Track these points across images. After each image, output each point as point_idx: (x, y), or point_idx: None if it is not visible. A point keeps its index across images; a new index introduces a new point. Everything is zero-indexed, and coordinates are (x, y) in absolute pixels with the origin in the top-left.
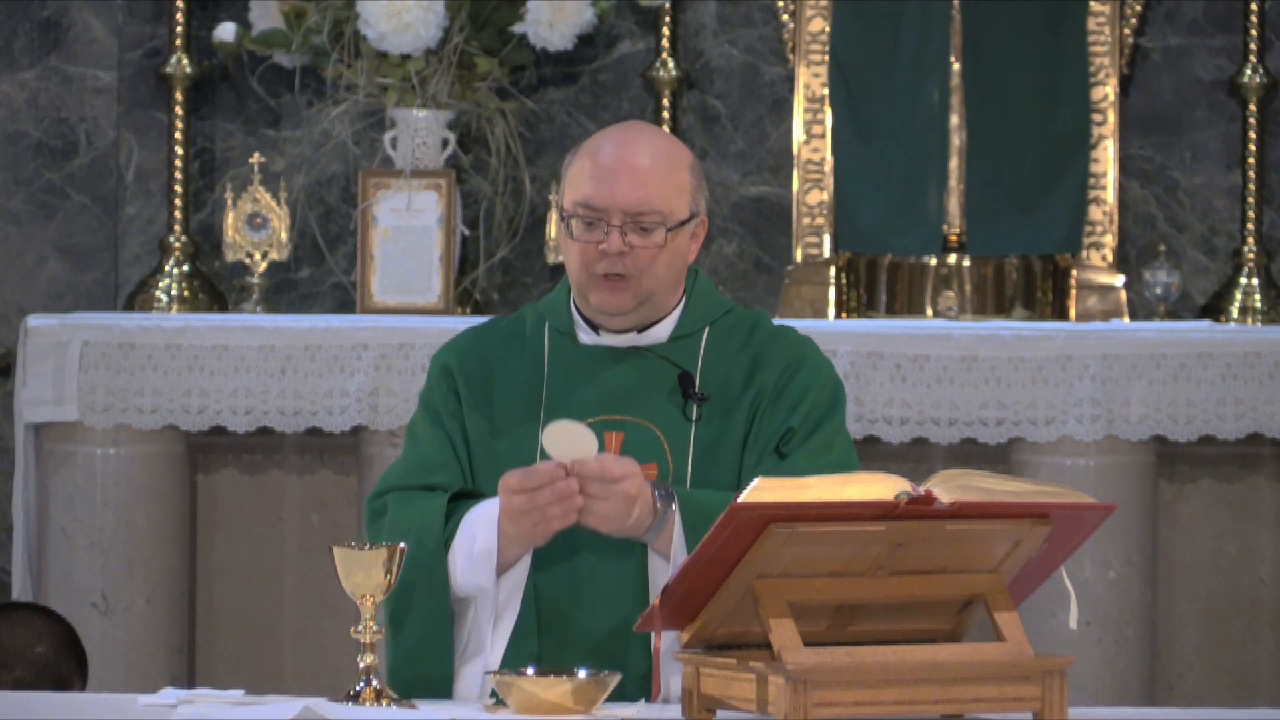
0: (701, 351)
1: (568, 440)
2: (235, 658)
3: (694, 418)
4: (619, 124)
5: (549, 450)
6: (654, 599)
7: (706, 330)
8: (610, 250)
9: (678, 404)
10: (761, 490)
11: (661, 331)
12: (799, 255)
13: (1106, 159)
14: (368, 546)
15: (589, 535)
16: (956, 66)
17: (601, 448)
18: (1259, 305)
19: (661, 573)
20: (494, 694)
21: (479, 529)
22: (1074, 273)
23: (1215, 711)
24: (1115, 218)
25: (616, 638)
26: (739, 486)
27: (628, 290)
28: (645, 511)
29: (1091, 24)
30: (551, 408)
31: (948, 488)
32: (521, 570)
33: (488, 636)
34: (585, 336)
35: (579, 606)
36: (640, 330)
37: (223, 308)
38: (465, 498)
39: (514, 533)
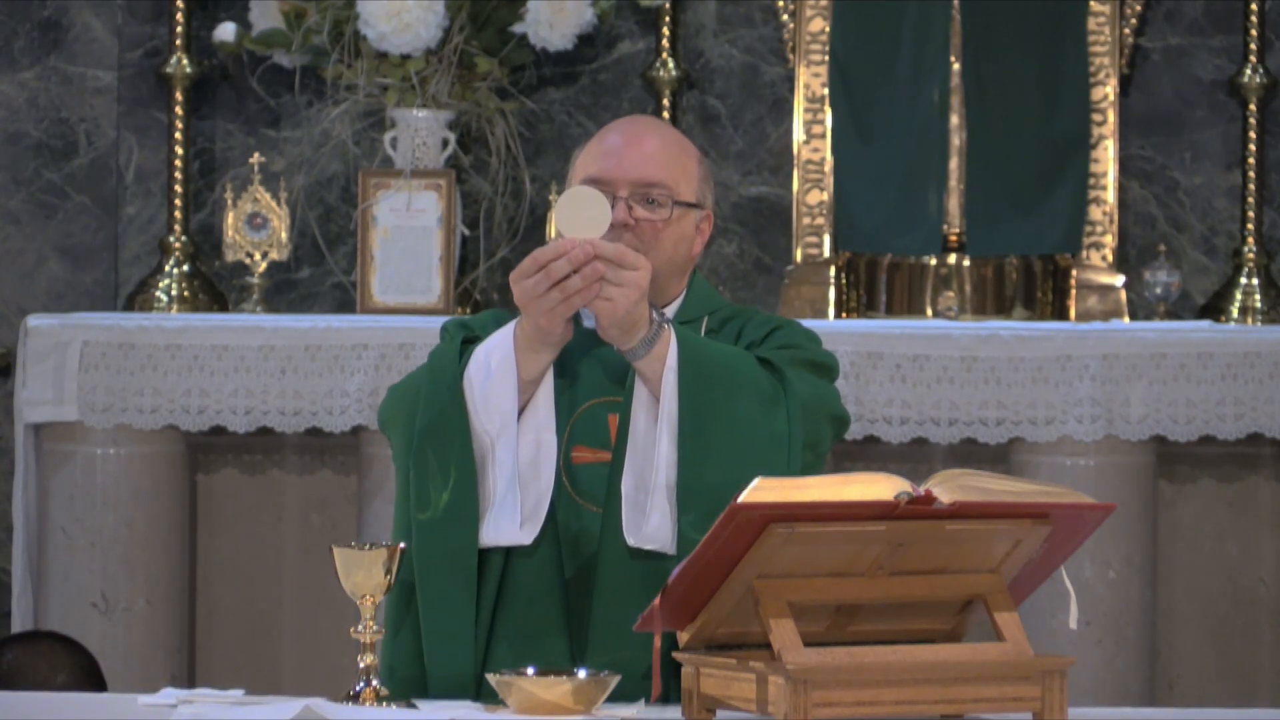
0: (702, 336)
1: (580, 209)
2: (235, 658)
3: None
4: (628, 116)
5: (559, 221)
6: (633, 431)
7: (705, 319)
8: (616, 221)
9: None
10: (761, 490)
11: None
12: (799, 255)
13: (1106, 159)
14: (368, 546)
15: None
16: (956, 66)
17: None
18: (1259, 305)
19: (643, 398)
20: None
21: (494, 350)
22: (1074, 273)
23: (1215, 711)
24: (1115, 218)
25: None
26: None
27: None
28: (644, 317)
29: (1091, 24)
30: (558, 388)
31: (948, 488)
32: (546, 407)
33: (507, 468)
34: (589, 321)
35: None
36: None
37: (223, 308)
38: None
39: (532, 331)
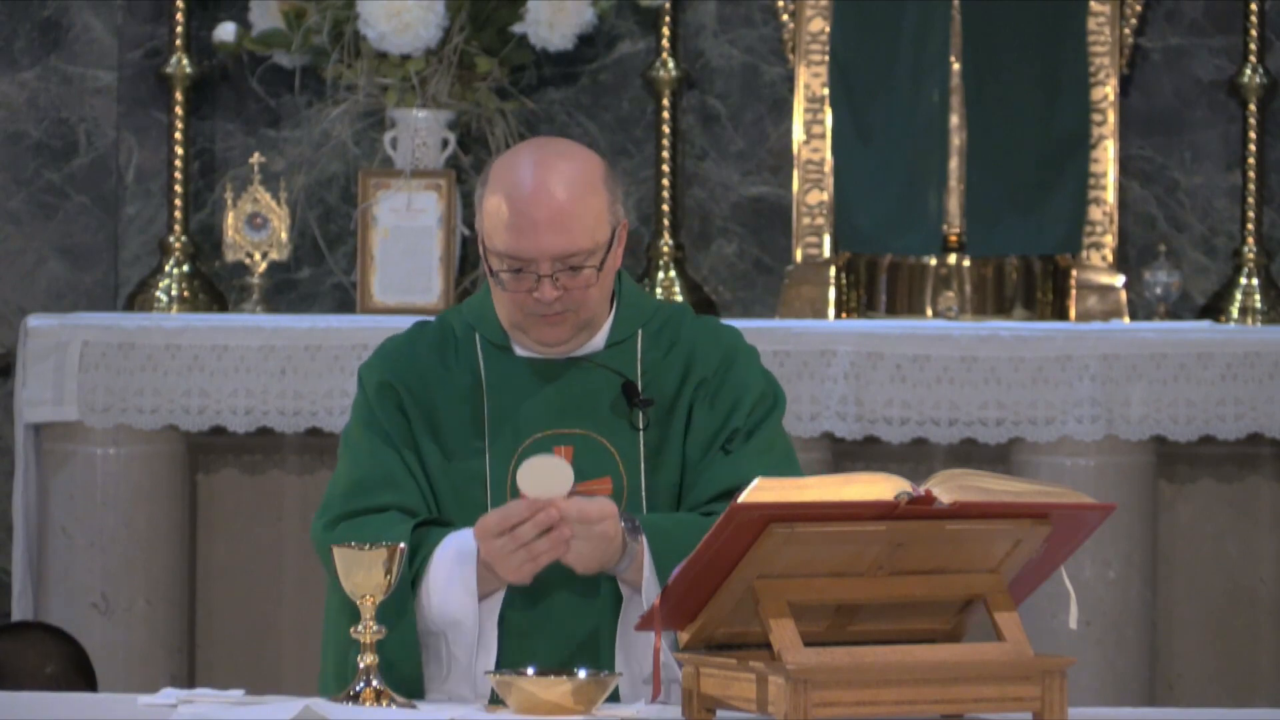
0: (639, 355)
1: (542, 476)
2: (235, 658)
3: (641, 425)
4: (525, 148)
5: (523, 488)
6: (621, 629)
7: (640, 334)
8: (545, 300)
9: (623, 413)
10: (761, 490)
11: (597, 341)
12: (799, 255)
13: (1106, 159)
14: (367, 547)
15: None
16: (956, 66)
17: (577, 479)
18: (1259, 305)
19: (633, 604)
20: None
21: (457, 569)
22: (1074, 273)
23: (1215, 711)
24: (1115, 218)
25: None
26: (682, 484)
27: (566, 323)
28: (617, 550)
29: (1091, 24)
30: (496, 424)
31: (948, 488)
32: (496, 598)
33: (466, 663)
34: (520, 349)
35: (543, 631)
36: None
37: (223, 308)
38: (430, 524)
39: (498, 577)
